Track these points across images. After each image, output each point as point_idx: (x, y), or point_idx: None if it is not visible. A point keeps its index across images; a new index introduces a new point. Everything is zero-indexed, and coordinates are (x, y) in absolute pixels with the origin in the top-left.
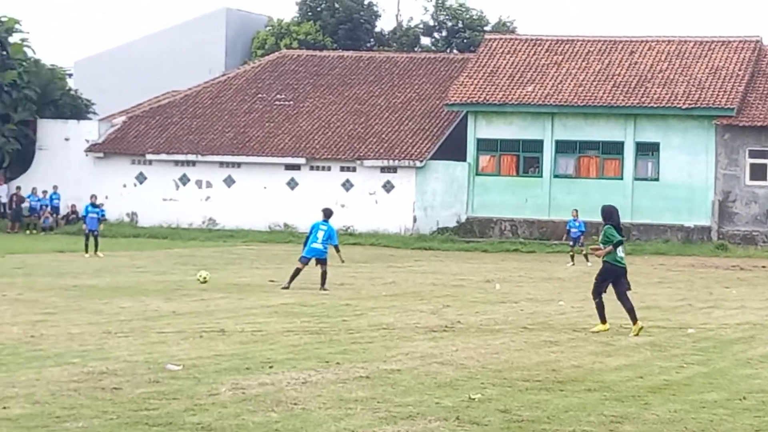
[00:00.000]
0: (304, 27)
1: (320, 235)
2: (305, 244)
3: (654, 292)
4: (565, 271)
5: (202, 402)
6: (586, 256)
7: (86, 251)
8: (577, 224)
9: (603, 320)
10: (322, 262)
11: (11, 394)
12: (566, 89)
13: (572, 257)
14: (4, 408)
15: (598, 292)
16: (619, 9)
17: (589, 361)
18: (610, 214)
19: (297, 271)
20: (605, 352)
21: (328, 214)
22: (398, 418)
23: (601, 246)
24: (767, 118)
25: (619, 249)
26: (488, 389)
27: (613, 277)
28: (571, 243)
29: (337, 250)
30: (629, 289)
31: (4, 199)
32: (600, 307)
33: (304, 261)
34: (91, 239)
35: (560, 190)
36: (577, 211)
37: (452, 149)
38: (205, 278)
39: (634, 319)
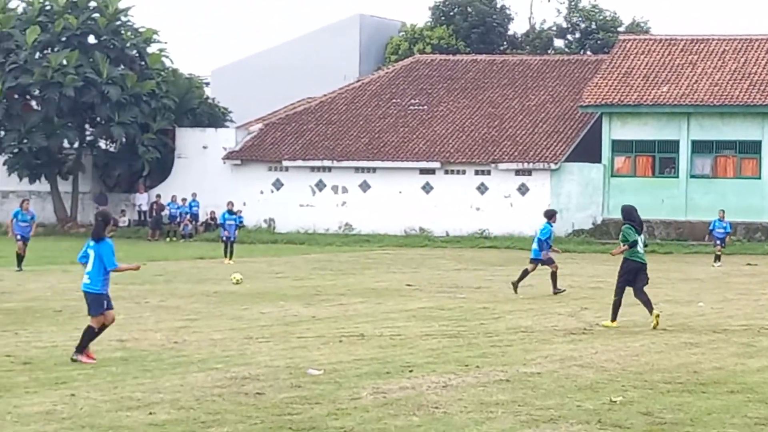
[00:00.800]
0: (438, 32)
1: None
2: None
3: None
4: (704, 272)
5: (344, 406)
6: (718, 257)
7: (225, 257)
8: (723, 224)
9: (614, 318)
10: (534, 262)
11: (157, 400)
12: (702, 89)
13: (718, 257)
14: (151, 414)
15: (619, 290)
16: (756, 6)
17: (731, 362)
18: (629, 213)
19: (525, 272)
20: (747, 353)
21: (548, 215)
22: (540, 421)
23: (621, 245)
24: None
25: (639, 246)
26: (629, 392)
27: (633, 273)
28: (718, 243)
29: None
30: (646, 284)
31: (145, 207)
32: (616, 306)
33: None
34: (228, 245)
35: (697, 191)
36: (723, 211)
37: (587, 151)
38: (238, 280)
39: (651, 309)
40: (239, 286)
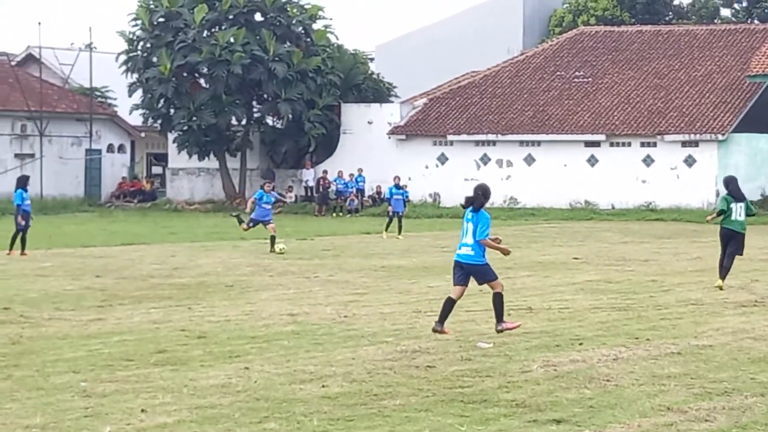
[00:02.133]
0: (602, 3)
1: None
2: None
3: None
4: None
5: (515, 379)
6: None
7: (386, 230)
8: None
9: (721, 277)
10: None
11: (329, 373)
12: None
13: None
14: (323, 387)
15: (721, 253)
16: None
17: None
18: (727, 184)
19: None
20: None
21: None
22: (713, 394)
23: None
24: None
25: (735, 214)
26: None
27: (726, 239)
28: None
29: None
30: (739, 252)
31: (312, 183)
32: (721, 265)
33: None
34: (395, 220)
35: None
36: None
37: (755, 121)
38: (281, 250)
39: (723, 277)
40: (407, 260)
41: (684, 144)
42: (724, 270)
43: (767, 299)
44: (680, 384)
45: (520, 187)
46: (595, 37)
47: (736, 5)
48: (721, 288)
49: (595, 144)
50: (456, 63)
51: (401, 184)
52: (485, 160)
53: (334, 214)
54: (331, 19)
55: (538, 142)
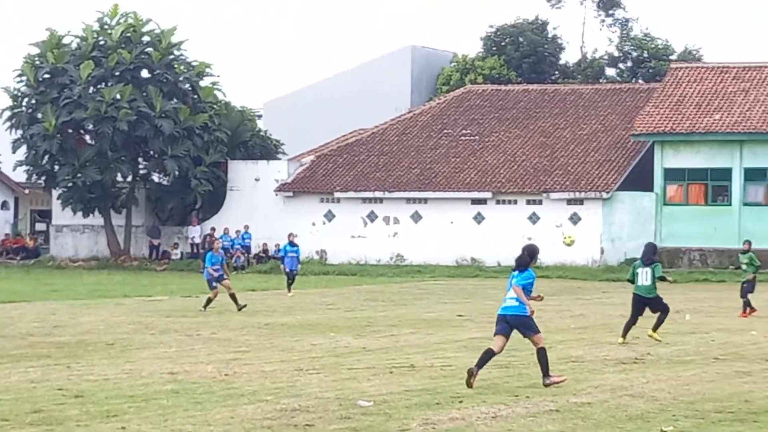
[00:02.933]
0: (489, 62)
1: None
2: None
3: None
4: (756, 301)
5: None
6: None
7: (289, 290)
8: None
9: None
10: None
11: None
12: (755, 116)
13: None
14: None
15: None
16: None
17: None
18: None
19: None
20: None
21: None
22: None
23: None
24: None
25: (641, 279)
26: (680, 421)
27: (634, 304)
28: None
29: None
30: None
31: (198, 240)
32: (626, 326)
33: None
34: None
35: (750, 218)
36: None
37: (639, 180)
38: (571, 240)
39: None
40: (291, 317)
41: (569, 202)
42: (626, 328)
43: (647, 357)
44: None
45: (406, 244)
46: (482, 96)
47: (620, 65)
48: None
49: (482, 201)
50: (344, 120)
51: (294, 241)
52: (372, 217)
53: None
54: (218, 76)
55: (425, 200)
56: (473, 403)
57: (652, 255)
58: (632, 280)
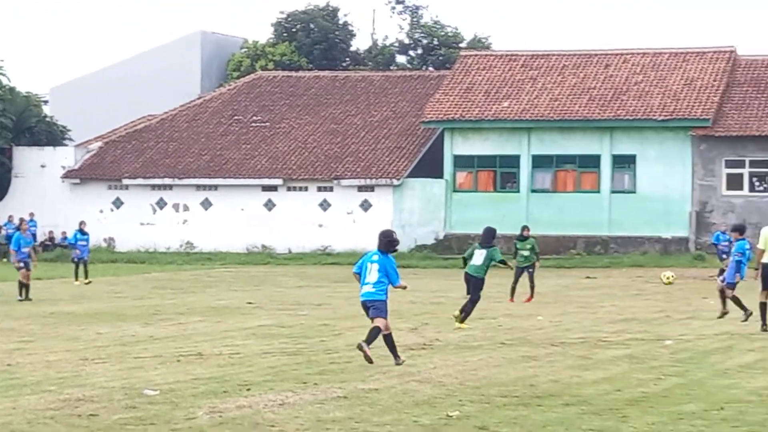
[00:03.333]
0: (280, 48)
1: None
2: None
3: (632, 304)
4: (544, 286)
5: (179, 426)
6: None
7: (76, 279)
8: (728, 237)
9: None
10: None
11: None
12: (542, 104)
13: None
14: None
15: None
16: (594, 23)
17: (567, 375)
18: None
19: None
20: (583, 365)
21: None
22: None
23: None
24: (742, 127)
25: (474, 259)
26: (466, 406)
27: (466, 282)
28: (723, 257)
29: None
30: (475, 297)
31: None
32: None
33: None
34: (81, 266)
35: (538, 205)
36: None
37: (429, 166)
38: (669, 279)
39: (461, 320)
40: (78, 306)
41: (360, 188)
42: (464, 313)
43: (435, 342)
44: (344, 428)
45: (196, 231)
46: (273, 82)
47: (411, 53)
48: (460, 326)
49: (273, 188)
50: (133, 106)
51: (84, 228)
52: (161, 204)
53: (5, 260)
54: (2, 60)
55: (215, 186)
56: (261, 391)
57: (490, 239)
58: (466, 259)
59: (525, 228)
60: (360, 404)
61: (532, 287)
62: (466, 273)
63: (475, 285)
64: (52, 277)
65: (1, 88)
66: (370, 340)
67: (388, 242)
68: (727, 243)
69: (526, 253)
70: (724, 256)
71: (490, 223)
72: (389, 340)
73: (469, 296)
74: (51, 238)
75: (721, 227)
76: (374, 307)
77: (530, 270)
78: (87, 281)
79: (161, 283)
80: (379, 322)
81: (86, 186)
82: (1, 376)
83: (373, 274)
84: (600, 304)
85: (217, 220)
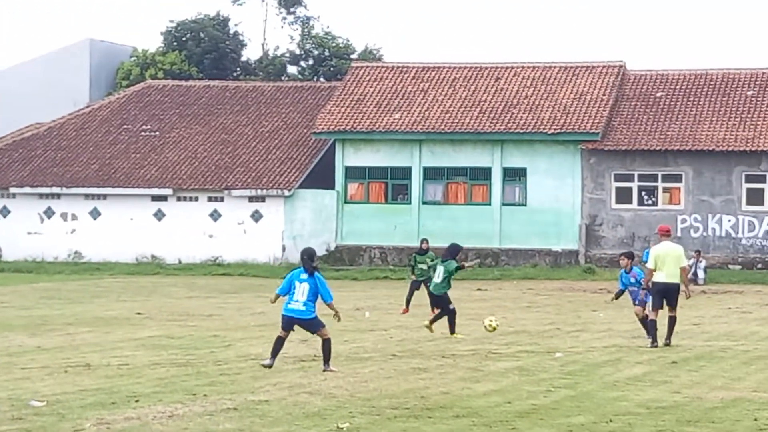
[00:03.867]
0: (170, 57)
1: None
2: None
3: (522, 316)
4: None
5: None
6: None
7: None
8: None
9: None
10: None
11: None
12: (433, 116)
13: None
14: None
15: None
16: (485, 36)
17: (458, 387)
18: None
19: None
20: (474, 377)
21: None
22: None
23: None
24: (631, 142)
25: (435, 276)
26: (357, 418)
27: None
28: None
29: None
30: (449, 311)
31: None
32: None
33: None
34: None
35: (429, 217)
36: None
37: (321, 177)
38: (492, 325)
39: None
40: None
41: (251, 199)
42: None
43: None
44: None
45: (85, 241)
46: (163, 91)
47: (302, 63)
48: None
49: (162, 198)
50: (20, 114)
51: None
52: (49, 213)
53: None
54: None
55: (104, 196)
56: (150, 402)
57: (449, 254)
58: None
59: (424, 241)
60: (250, 416)
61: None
62: (429, 291)
63: (439, 301)
64: None
65: None
66: (327, 358)
67: (311, 262)
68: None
69: (424, 267)
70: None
71: (383, 236)
72: (281, 345)
73: (439, 311)
74: None
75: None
76: (306, 325)
77: (427, 282)
78: None
79: (49, 293)
80: (325, 333)
81: None
82: None
83: (303, 293)
84: (491, 316)
85: (106, 230)
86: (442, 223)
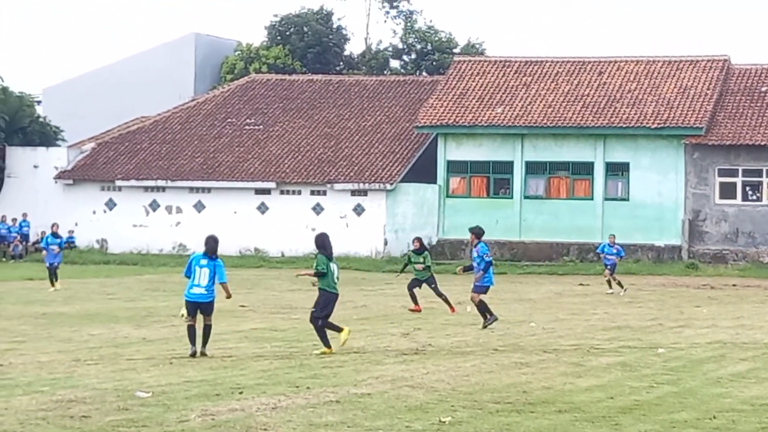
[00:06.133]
0: (273, 51)
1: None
2: None
3: (625, 312)
4: (537, 292)
5: (171, 429)
6: (620, 283)
7: (52, 284)
8: (614, 250)
9: (327, 345)
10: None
11: None
12: (536, 110)
13: (609, 283)
14: None
15: (316, 318)
16: (588, 30)
17: (560, 382)
18: (321, 242)
19: None
20: (576, 372)
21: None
22: None
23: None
24: (735, 136)
25: (334, 276)
26: (459, 412)
27: (332, 303)
28: (608, 270)
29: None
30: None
31: None
32: (323, 330)
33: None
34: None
35: (530, 211)
36: (614, 236)
37: (422, 171)
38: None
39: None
40: (70, 307)
41: (353, 193)
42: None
43: (428, 347)
44: None
45: (189, 233)
46: (267, 85)
47: (405, 57)
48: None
49: (266, 191)
50: (126, 108)
51: (59, 232)
52: (154, 206)
53: (2, 260)
54: None
55: (208, 189)
56: (253, 394)
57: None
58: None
59: (416, 240)
60: (352, 408)
61: (446, 300)
62: (332, 293)
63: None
64: (44, 278)
65: None
66: (206, 341)
67: (215, 248)
68: (613, 256)
69: (420, 266)
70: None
71: (485, 229)
72: (194, 331)
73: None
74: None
75: (609, 239)
76: (205, 308)
77: (432, 285)
78: (54, 288)
79: (154, 285)
80: (210, 320)
81: (79, 187)
82: None
83: (203, 277)
84: (593, 311)
85: (209, 223)
86: (543, 217)
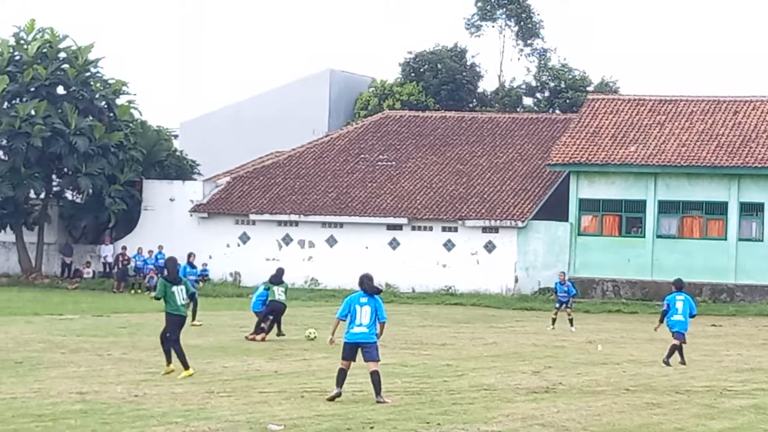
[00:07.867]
0: (407, 88)
1: (679, 306)
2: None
3: (758, 353)
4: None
5: None
6: (571, 321)
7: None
8: (565, 288)
9: (186, 366)
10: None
11: None
12: (669, 149)
13: (553, 321)
14: None
15: (165, 340)
16: (723, 69)
17: (692, 423)
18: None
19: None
20: (708, 414)
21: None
22: None
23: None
24: None
25: (178, 298)
26: None
27: (179, 325)
28: (557, 305)
29: None
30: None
31: (110, 259)
32: (178, 353)
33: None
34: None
35: (663, 251)
36: (564, 273)
37: (554, 209)
38: (311, 335)
39: (185, 364)
40: (204, 339)
41: (484, 230)
42: (170, 354)
43: (558, 386)
44: None
45: (321, 268)
46: (400, 122)
47: (538, 95)
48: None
49: (397, 227)
50: (260, 142)
51: (195, 262)
52: (287, 240)
53: (133, 291)
54: (135, 94)
55: (341, 224)
56: (384, 429)
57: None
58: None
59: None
60: None
61: None
62: (177, 315)
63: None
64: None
65: (133, 122)
66: (378, 389)
67: (373, 286)
68: (564, 294)
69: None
70: (557, 305)
71: (616, 268)
72: (345, 375)
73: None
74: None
75: (558, 277)
76: (368, 350)
77: None
78: (197, 323)
79: (286, 319)
80: (377, 366)
81: (214, 220)
82: (129, 407)
83: (365, 316)
84: (725, 353)
85: (341, 258)
86: (676, 257)
